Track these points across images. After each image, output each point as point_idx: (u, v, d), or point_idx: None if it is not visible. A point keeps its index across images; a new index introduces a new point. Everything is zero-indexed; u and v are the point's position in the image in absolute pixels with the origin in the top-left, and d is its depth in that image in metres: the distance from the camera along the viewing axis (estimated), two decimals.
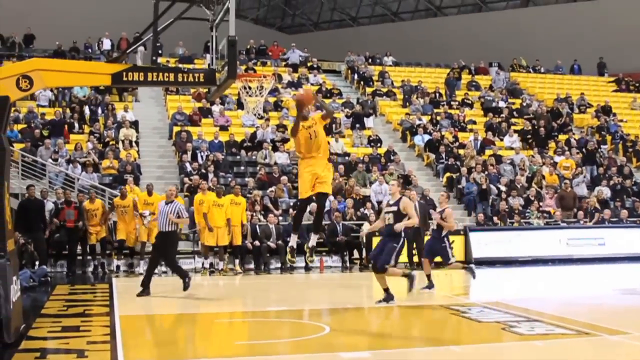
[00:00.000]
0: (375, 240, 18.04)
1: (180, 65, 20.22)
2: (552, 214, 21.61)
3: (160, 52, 25.42)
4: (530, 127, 26.69)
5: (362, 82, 30.05)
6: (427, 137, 25.20)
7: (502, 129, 26.75)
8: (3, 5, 33.25)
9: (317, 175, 10.03)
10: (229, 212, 17.55)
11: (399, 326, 10.98)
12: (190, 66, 21.38)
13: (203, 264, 17.71)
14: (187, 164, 21.10)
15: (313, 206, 13.16)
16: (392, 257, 11.57)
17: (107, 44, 29.41)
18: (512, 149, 25.43)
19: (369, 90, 29.24)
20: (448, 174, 23.50)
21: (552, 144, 26.36)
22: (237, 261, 17.84)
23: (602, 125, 28.14)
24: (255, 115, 21.29)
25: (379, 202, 20.62)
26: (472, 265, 13.97)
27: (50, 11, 36.53)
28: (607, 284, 16.36)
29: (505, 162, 24.03)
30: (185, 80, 10.44)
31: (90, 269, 17.53)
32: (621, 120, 29.15)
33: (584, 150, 25.68)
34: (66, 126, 22.44)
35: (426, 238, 18.49)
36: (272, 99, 25.88)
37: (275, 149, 22.68)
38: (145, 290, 13.03)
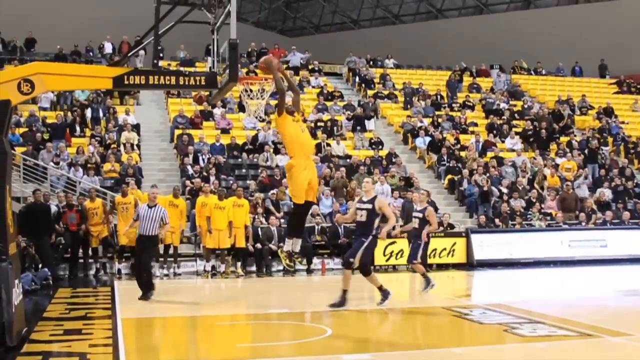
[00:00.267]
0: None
1: (182, 69, 20.27)
2: (554, 216, 21.60)
3: (161, 55, 25.23)
4: (531, 127, 26.69)
5: (363, 85, 30.06)
6: (428, 139, 25.22)
7: (504, 131, 26.76)
8: (4, 10, 33.28)
9: (310, 181, 10.06)
10: (230, 214, 17.55)
11: (400, 328, 10.98)
12: (192, 69, 21.46)
13: (205, 266, 17.71)
14: (189, 167, 21.12)
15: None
16: (358, 252, 11.44)
17: (108, 48, 29.46)
18: (513, 150, 25.42)
19: (370, 92, 29.25)
20: (449, 176, 23.49)
21: (553, 146, 26.36)
22: (239, 264, 17.83)
23: (603, 127, 28.13)
24: (256, 117, 21.25)
25: None
26: (431, 278, 13.74)
27: (52, 15, 36.55)
28: (609, 286, 16.37)
29: (506, 164, 24.03)
30: (187, 83, 10.44)
31: (92, 272, 17.53)
32: (623, 122, 29.15)
33: (585, 152, 25.67)
34: (68, 129, 22.48)
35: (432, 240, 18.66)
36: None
37: (276, 151, 22.67)
38: (146, 293, 12.97)
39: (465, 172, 23.05)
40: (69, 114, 23.54)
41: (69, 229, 17.14)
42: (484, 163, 23.54)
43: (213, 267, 17.66)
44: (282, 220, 18.99)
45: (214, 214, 17.39)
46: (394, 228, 14.06)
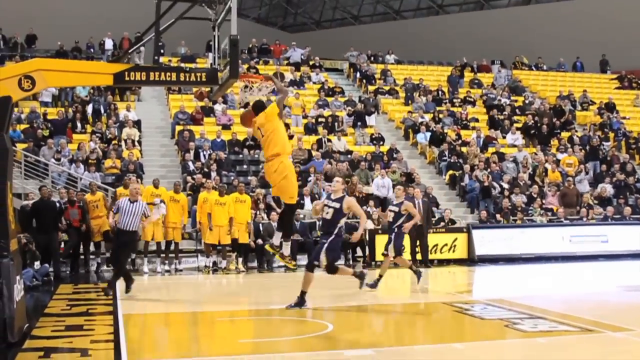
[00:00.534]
0: (379, 238, 18.21)
1: (183, 65, 20.23)
2: (555, 211, 21.60)
3: (162, 51, 25.29)
4: (532, 122, 26.68)
5: (364, 80, 30.05)
6: (429, 135, 25.22)
7: (505, 127, 26.75)
8: (5, 6, 33.28)
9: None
10: (231, 210, 17.56)
11: (402, 324, 10.98)
12: (192, 65, 21.40)
13: (206, 262, 17.72)
14: (190, 163, 21.13)
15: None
16: (321, 255, 11.19)
17: (109, 44, 29.44)
18: (514, 146, 25.42)
19: (371, 88, 29.24)
20: (451, 172, 23.50)
21: (554, 142, 26.35)
22: (240, 260, 17.84)
23: (604, 123, 28.12)
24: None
25: (384, 198, 20.66)
26: (370, 280, 13.61)
27: (52, 11, 36.56)
28: (610, 281, 16.37)
29: (507, 159, 24.03)
30: (188, 79, 10.43)
31: (94, 267, 17.54)
32: (624, 118, 29.13)
33: (587, 147, 25.66)
34: (69, 125, 22.49)
35: (429, 235, 18.69)
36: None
37: None
38: (127, 284, 12.81)
39: (467, 167, 23.06)
40: (70, 110, 23.55)
41: (72, 225, 17.15)
42: (485, 158, 23.54)
43: (214, 263, 17.68)
44: None
45: (214, 210, 17.41)
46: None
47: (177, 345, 9.18)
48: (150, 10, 10.42)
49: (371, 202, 20.25)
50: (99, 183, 19.16)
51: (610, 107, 29.61)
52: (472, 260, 19.43)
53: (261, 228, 18.29)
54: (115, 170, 20.52)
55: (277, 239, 10.88)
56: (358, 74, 30.74)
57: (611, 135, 27.49)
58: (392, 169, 22.41)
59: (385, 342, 9.19)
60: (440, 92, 29.24)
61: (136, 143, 22.28)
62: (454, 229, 19.95)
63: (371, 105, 27.14)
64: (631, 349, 8.40)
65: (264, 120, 10.26)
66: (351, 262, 19.01)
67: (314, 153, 22.77)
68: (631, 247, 20.53)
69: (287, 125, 23.59)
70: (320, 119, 25.27)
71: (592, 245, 20.44)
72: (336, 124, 25.22)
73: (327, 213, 11.33)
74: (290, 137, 21.21)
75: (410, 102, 28.29)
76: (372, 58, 32.89)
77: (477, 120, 27.42)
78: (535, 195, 22.00)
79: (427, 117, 26.62)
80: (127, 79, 10.12)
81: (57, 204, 17.33)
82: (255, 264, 18.17)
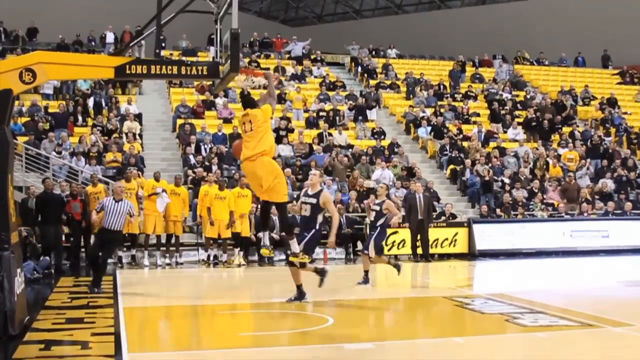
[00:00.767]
0: None
1: (184, 58, 20.22)
2: (556, 206, 21.60)
3: (163, 45, 25.31)
4: (533, 117, 26.65)
5: (365, 75, 30.02)
6: (430, 128, 25.22)
7: (506, 122, 26.73)
8: None
9: None
10: (231, 204, 17.59)
11: (402, 318, 11.00)
12: (194, 59, 21.38)
13: (207, 256, 17.74)
14: (191, 157, 21.12)
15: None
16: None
17: (110, 37, 29.39)
18: (516, 141, 25.39)
19: (372, 82, 29.20)
20: (452, 166, 23.49)
21: (556, 137, 26.33)
22: (241, 253, 17.86)
23: (606, 118, 28.09)
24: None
25: None
26: (359, 279, 13.65)
27: (54, 4, 36.51)
28: (611, 276, 16.38)
29: (509, 154, 24.02)
30: (189, 73, 10.43)
31: None
32: (625, 113, 29.10)
33: (588, 142, 25.63)
34: (70, 118, 22.47)
35: (430, 230, 18.71)
36: (275, 91, 25.82)
37: (278, 141, 22.63)
38: (97, 285, 12.44)
39: (468, 162, 23.04)
40: (71, 103, 23.53)
41: (74, 219, 17.14)
42: (486, 153, 23.52)
43: (215, 257, 17.70)
44: None
45: (214, 204, 17.45)
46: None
47: (177, 338, 9.20)
48: (152, 4, 10.40)
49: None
50: (100, 176, 19.16)
51: (611, 102, 29.57)
52: (472, 254, 19.44)
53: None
54: (116, 164, 20.51)
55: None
56: (359, 68, 30.71)
57: (612, 130, 27.45)
58: (393, 163, 22.41)
59: (385, 336, 9.20)
60: (441, 87, 29.20)
61: (137, 136, 22.27)
62: (454, 223, 19.96)
63: (372, 100, 27.12)
64: (631, 344, 8.41)
65: (261, 116, 10.21)
66: (351, 255, 19.04)
67: (315, 147, 22.75)
68: (632, 242, 20.50)
69: (288, 119, 23.72)
70: (321, 113, 25.24)
71: (593, 240, 20.45)
72: (337, 118, 25.20)
73: (305, 210, 11.19)
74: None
75: (411, 96, 28.26)
76: (374, 52, 32.83)
77: (478, 115, 27.39)
78: (536, 190, 22.00)
79: (429, 111, 26.59)
80: (128, 72, 10.12)
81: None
82: (255, 257, 18.19)
